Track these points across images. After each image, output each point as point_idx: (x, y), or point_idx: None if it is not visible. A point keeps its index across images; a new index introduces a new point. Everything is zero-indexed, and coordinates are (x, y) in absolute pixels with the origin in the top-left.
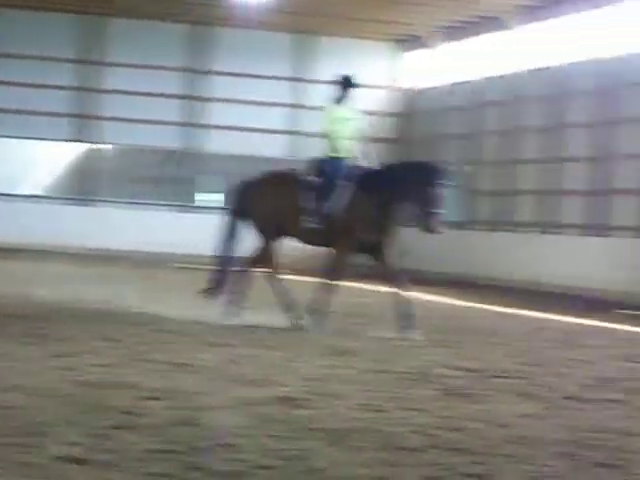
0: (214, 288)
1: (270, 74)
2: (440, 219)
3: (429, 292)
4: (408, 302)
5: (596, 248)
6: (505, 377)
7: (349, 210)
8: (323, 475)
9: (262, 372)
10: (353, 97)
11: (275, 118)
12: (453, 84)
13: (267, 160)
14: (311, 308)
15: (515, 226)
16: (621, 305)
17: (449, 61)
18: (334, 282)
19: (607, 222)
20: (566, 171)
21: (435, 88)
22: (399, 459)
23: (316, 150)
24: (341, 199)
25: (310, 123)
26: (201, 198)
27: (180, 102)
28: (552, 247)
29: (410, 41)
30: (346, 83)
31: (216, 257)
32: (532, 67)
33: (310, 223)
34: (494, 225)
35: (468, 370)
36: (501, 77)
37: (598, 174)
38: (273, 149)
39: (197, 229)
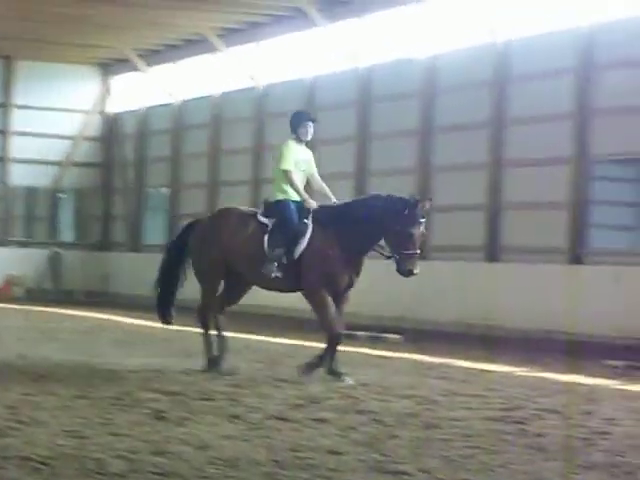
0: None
1: None
2: (417, 260)
3: (130, 316)
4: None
5: None
6: (209, 399)
7: (321, 251)
8: None
9: None
10: (310, 133)
11: None
12: (157, 107)
13: None
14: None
15: None
16: None
17: (155, 84)
18: (333, 332)
19: None
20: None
21: (140, 111)
22: None
23: (21, 176)
24: (310, 239)
25: (14, 149)
26: None
27: None
28: None
29: (116, 64)
30: (303, 118)
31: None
32: (237, 88)
33: (276, 270)
34: None
35: (172, 393)
36: (204, 99)
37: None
38: None
39: None
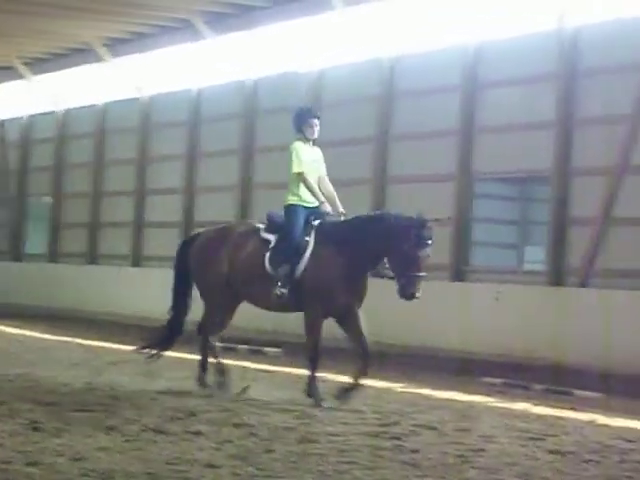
0: (154, 347)
1: None
2: (420, 283)
3: (10, 325)
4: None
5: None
6: (85, 410)
7: (319, 270)
8: None
9: None
10: (316, 131)
11: None
12: (41, 115)
13: None
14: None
15: (104, 258)
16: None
17: (40, 92)
18: (312, 354)
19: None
20: (153, 202)
21: (23, 119)
22: None
23: None
24: (310, 258)
25: None
26: None
27: None
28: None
29: (0, 72)
30: (306, 116)
31: (167, 318)
32: (122, 98)
33: (278, 289)
34: (85, 257)
35: (48, 404)
36: (89, 108)
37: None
38: None
39: None
